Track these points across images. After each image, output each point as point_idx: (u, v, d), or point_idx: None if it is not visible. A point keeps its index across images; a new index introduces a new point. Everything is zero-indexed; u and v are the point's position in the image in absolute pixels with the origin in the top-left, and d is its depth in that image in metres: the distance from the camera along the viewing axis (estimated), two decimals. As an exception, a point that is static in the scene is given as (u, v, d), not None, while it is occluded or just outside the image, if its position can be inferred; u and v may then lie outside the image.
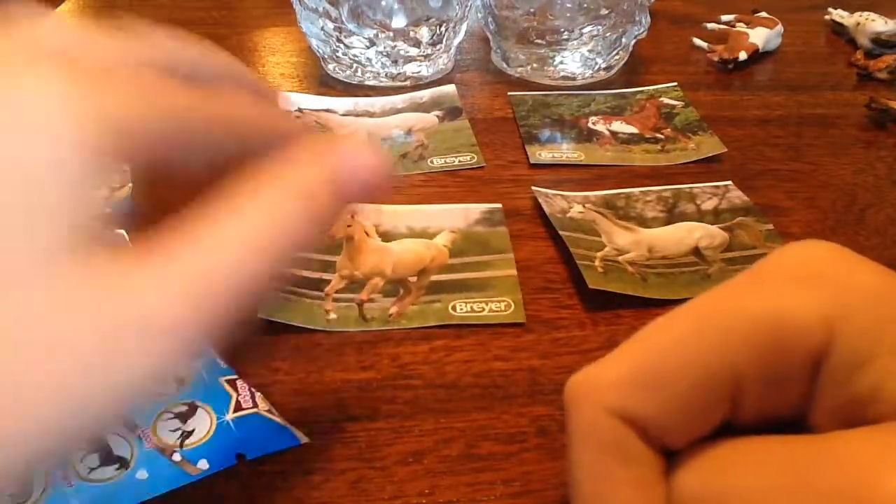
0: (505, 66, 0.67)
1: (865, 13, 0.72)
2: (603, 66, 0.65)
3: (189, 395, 0.32)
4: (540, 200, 0.47)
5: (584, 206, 0.47)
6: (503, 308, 0.39)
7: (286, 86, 0.63)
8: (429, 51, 0.63)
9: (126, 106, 0.17)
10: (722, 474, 0.16)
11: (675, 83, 0.64)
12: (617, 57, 0.65)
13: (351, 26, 0.60)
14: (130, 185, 0.50)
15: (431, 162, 0.53)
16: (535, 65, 0.65)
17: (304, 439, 0.31)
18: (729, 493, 0.15)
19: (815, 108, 0.62)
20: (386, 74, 0.63)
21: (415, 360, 0.37)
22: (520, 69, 0.65)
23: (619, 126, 0.58)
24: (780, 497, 0.14)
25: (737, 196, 0.49)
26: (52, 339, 0.14)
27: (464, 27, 0.65)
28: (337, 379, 0.35)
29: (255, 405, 0.32)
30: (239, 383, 0.33)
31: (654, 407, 0.16)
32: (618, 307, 0.40)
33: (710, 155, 0.54)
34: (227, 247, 0.17)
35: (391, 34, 0.61)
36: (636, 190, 0.50)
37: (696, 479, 0.16)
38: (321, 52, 0.64)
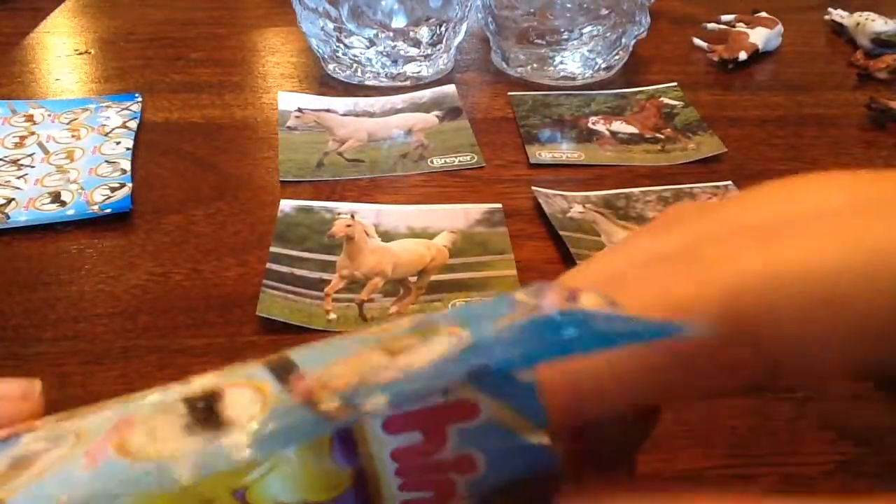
0: (505, 66, 0.67)
1: (865, 13, 0.72)
2: (603, 66, 0.65)
3: None
4: (540, 200, 0.47)
5: (584, 206, 0.47)
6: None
7: (286, 86, 0.63)
8: (429, 51, 0.63)
9: None
10: None
11: (675, 83, 0.64)
12: (617, 57, 0.65)
13: (351, 26, 0.60)
14: (130, 185, 0.51)
15: (431, 162, 0.53)
16: (535, 65, 0.65)
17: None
18: None
19: (815, 108, 0.62)
20: (386, 74, 0.63)
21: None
22: (520, 69, 0.65)
23: (619, 126, 0.58)
24: None
25: (737, 196, 0.49)
26: None
27: (464, 27, 0.65)
28: (337, 379, 0.35)
29: None
30: None
31: None
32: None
33: (710, 155, 0.54)
34: None
35: (391, 34, 0.61)
36: (636, 190, 0.50)
37: None
38: (321, 52, 0.64)
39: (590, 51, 0.63)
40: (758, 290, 0.14)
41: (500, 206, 0.48)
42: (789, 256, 0.14)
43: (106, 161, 0.51)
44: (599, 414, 0.16)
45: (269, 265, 0.42)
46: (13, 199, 0.47)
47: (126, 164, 0.51)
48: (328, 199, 0.48)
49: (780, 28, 0.72)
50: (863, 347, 0.14)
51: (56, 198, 0.47)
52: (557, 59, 0.64)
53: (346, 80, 0.64)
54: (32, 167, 0.51)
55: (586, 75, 0.65)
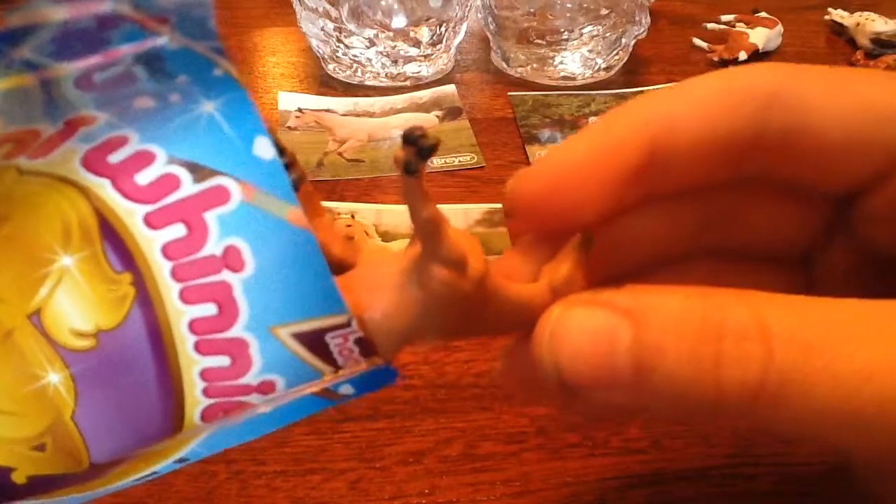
0: (505, 66, 0.67)
1: (865, 13, 0.72)
2: (603, 66, 0.65)
3: None
4: (540, 200, 0.47)
5: (584, 206, 0.47)
6: (503, 308, 0.39)
7: (286, 86, 0.63)
8: (429, 51, 0.63)
9: None
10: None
11: (675, 83, 0.64)
12: (617, 57, 0.65)
13: (351, 26, 0.60)
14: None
15: (431, 162, 0.53)
16: (535, 65, 0.65)
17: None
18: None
19: (815, 108, 0.62)
20: (386, 74, 0.63)
21: (415, 359, 0.37)
22: (520, 69, 0.65)
23: (619, 126, 0.58)
24: None
25: (737, 196, 0.49)
26: None
27: (464, 27, 0.65)
28: (337, 379, 0.35)
29: None
30: None
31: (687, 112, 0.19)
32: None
33: (710, 155, 0.54)
34: None
35: (391, 34, 0.61)
36: (636, 190, 0.50)
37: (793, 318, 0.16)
38: (321, 52, 0.64)
39: (590, 51, 0.63)
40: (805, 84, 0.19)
41: (500, 206, 0.48)
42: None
43: (106, 161, 0.51)
44: (681, 174, 0.19)
45: (269, 265, 0.42)
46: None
47: (126, 164, 0.51)
48: (328, 199, 0.48)
49: (780, 28, 0.72)
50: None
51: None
52: (557, 59, 0.64)
53: (346, 80, 0.64)
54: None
55: (586, 75, 0.65)
